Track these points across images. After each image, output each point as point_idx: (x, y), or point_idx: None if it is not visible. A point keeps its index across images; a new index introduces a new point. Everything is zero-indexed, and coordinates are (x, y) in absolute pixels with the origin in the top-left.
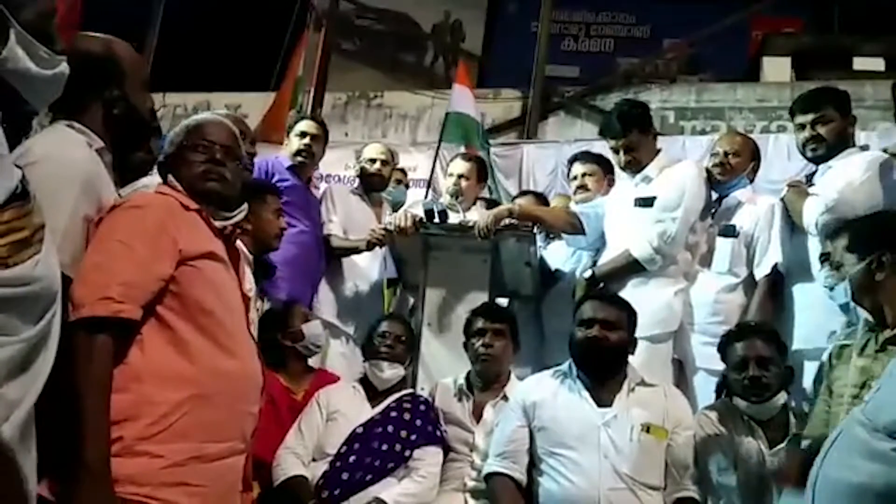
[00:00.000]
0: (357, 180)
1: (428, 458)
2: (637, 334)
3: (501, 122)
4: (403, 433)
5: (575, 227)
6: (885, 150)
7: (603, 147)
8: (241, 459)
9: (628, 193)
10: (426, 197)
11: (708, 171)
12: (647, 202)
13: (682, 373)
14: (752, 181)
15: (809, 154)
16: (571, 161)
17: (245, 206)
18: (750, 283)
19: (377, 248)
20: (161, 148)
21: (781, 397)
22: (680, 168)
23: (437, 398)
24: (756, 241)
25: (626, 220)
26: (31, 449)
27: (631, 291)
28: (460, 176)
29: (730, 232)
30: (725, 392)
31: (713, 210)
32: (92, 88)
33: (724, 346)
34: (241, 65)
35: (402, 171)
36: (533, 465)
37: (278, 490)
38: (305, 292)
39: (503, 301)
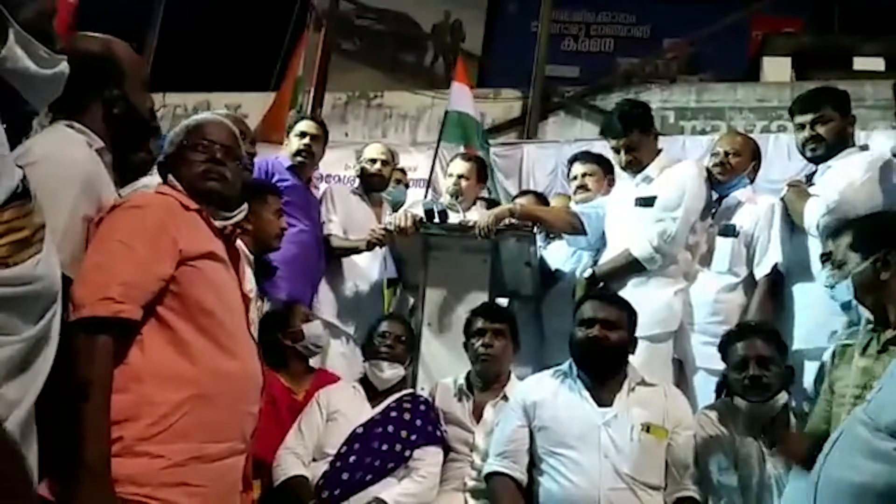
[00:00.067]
0: (357, 180)
1: (428, 458)
2: (637, 334)
3: (501, 122)
4: (403, 433)
5: (575, 227)
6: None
7: (603, 147)
8: (242, 460)
9: (629, 193)
10: (426, 197)
11: (708, 170)
12: (647, 202)
13: (682, 372)
14: (752, 181)
15: (809, 154)
16: (571, 161)
17: (245, 206)
18: (750, 283)
19: (377, 248)
20: (161, 148)
21: (782, 397)
22: (680, 168)
23: (437, 398)
24: (756, 241)
25: (626, 219)
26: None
27: (631, 291)
28: (460, 176)
29: (730, 232)
30: (725, 392)
31: (713, 210)
32: (92, 88)
33: (725, 345)
34: (241, 65)
35: (402, 171)
36: (533, 465)
37: (278, 490)
38: (305, 292)
39: (503, 301)
